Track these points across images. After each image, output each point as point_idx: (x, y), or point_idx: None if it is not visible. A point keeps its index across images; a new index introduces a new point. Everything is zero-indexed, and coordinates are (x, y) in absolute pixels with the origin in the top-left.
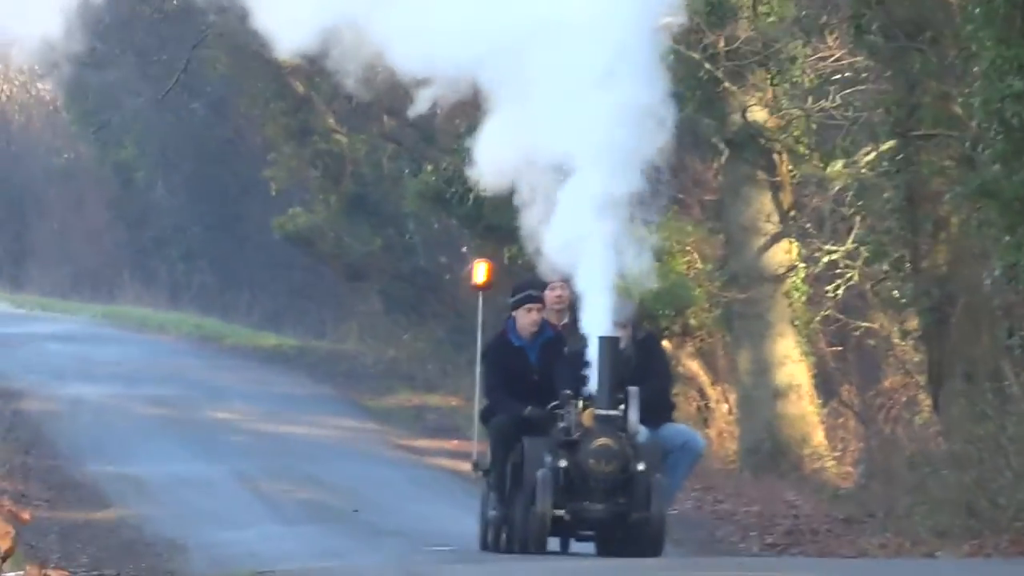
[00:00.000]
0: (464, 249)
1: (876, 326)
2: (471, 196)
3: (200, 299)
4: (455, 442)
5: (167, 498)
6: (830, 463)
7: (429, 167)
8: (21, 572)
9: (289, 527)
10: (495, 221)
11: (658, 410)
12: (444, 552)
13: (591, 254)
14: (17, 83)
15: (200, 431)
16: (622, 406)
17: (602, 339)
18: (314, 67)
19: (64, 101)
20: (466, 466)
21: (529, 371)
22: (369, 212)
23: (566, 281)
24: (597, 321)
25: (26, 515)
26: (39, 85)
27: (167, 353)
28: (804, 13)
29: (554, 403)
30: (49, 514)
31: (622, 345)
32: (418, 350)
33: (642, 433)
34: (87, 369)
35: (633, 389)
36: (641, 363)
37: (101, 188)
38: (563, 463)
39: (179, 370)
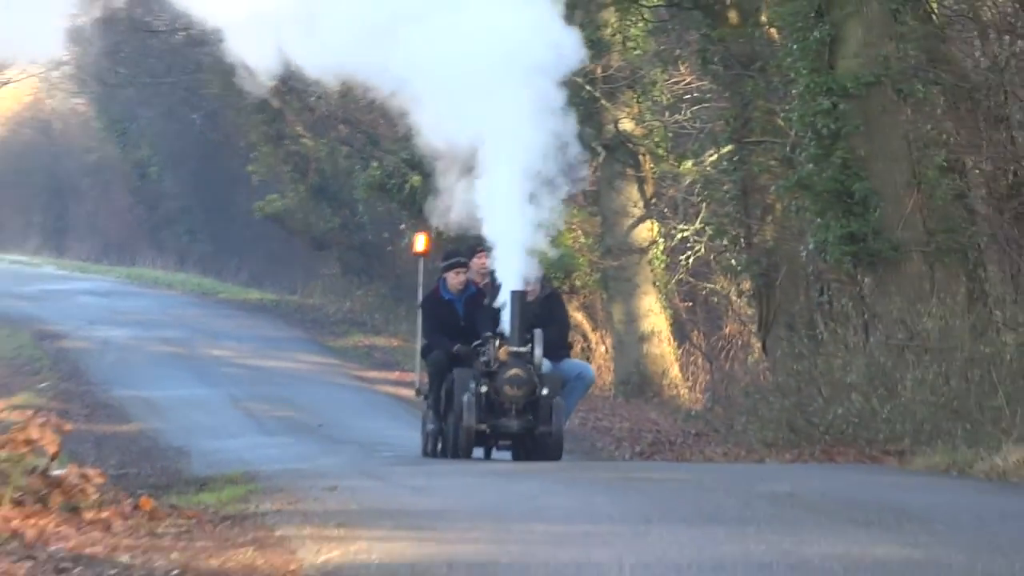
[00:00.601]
0: (402, 226)
1: (718, 287)
2: (407, 186)
3: (200, 264)
4: (396, 373)
5: (174, 415)
6: (684, 391)
7: (374, 164)
8: (64, 470)
9: (269, 437)
10: (426, 205)
11: (558, 348)
12: (389, 456)
13: (508, 229)
14: (58, 98)
15: (200, 364)
16: (530, 345)
17: (513, 292)
18: (285, 86)
19: (94, 112)
20: (405, 391)
21: (457, 319)
22: (329, 198)
23: (486, 250)
24: (510, 279)
25: (68, 427)
26: (75, 100)
27: (174, 305)
28: (662, 47)
29: (476, 342)
30: (86, 427)
31: (531, 299)
32: (367, 303)
33: (545, 365)
34: (113, 317)
35: (538, 331)
36: (546, 312)
37: (123, 179)
38: (484, 388)
39: (183, 318)
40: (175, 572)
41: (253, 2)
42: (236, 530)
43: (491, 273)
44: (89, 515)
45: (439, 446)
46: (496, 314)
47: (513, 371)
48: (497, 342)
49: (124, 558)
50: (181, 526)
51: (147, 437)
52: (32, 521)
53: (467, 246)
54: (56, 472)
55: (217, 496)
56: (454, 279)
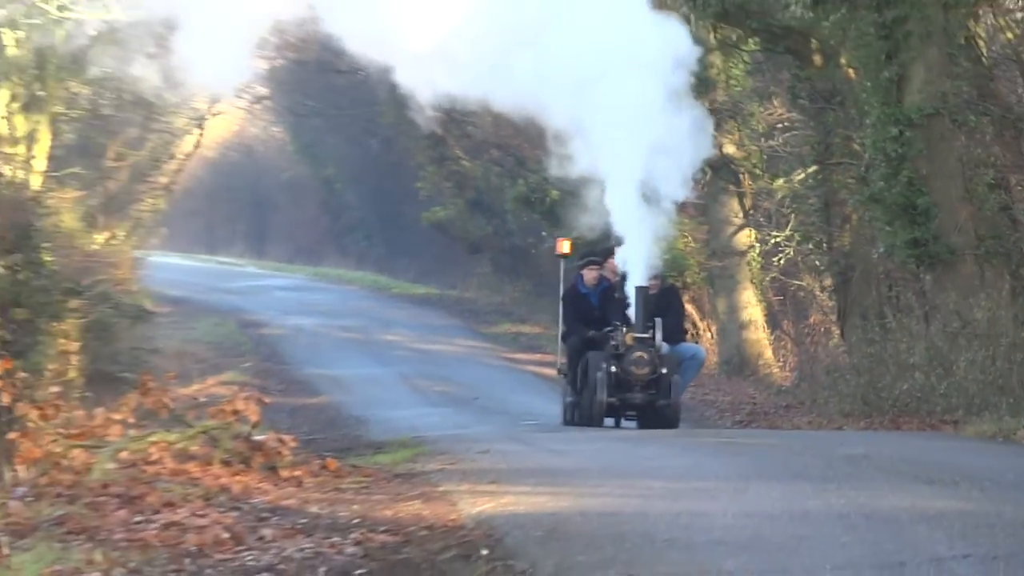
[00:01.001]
0: (543, 233)
1: (804, 284)
2: (548, 199)
3: (375, 264)
4: (538, 355)
5: (355, 390)
6: (776, 370)
7: (521, 181)
8: (264, 436)
9: (433, 408)
10: (564, 214)
11: (675, 334)
12: (533, 424)
13: (636, 235)
14: (259, 127)
15: (375, 347)
16: (651, 331)
17: (637, 288)
18: (447, 117)
19: (289, 138)
20: (546, 370)
21: (591, 309)
22: (483, 209)
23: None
24: (637, 276)
25: (267, 400)
26: (273, 128)
27: (354, 298)
28: (759, 84)
29: (608, 329)
30: (281, 400)
31: (653, 292)
32: (514, 297)
33: (664, 348)
34: (303, 308)
35: (658, 320)
36: (664, 304)
37: (312, 194)
38: (614, 368)
39: (361, 309)
40: (355, 521)
41: (412, 44)
42: (406, 486)
43: (622, 274)
44: (284, 473)
45: (576, 415)
46: (624, 306)
47: (638, 353)
48: (624, 329)
49: (313, 509)
50: (360, 483)
51: (332, 408)
52: (238, 478)
53: (601, 248)
54: (257, 437)
55: (390, 457)
56: (589, 276)
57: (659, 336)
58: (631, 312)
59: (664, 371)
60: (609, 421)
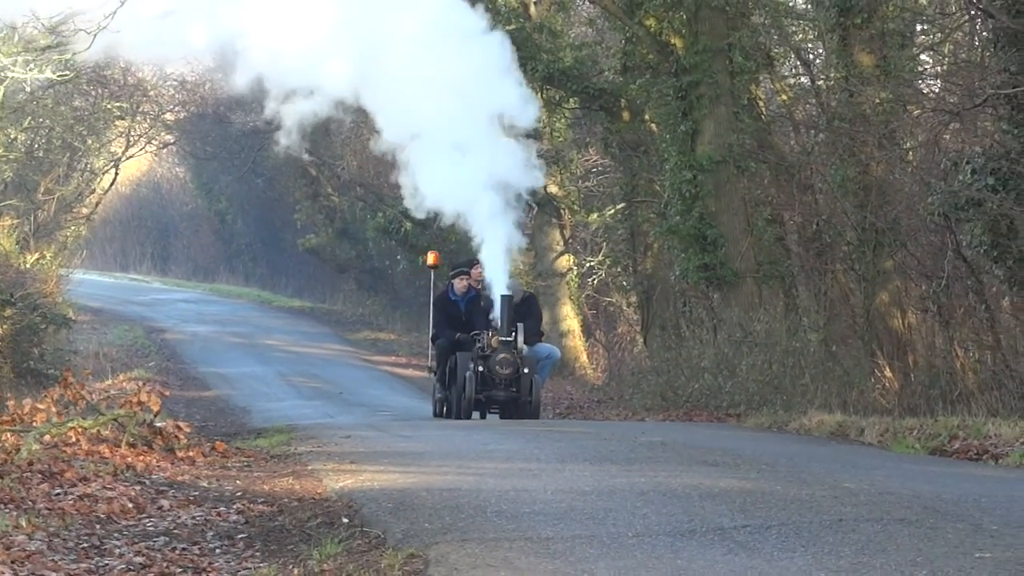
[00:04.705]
0: (399, 257)
1: (614, 300)
2: (403, 230)
3: (260, 281)
4: (393, 357)
5: (240, 385)
6: (590, 371)
7: (380, 214)
8: (164, 423)
9: (305, 401)
10: (415, 241)
11: (533, 336)
12: (387, 415)
13: (495, 252)
14: (165, 167)
15: (259, 350)
16: (514, 334)
17: (503, 296)
18: (320, 159)
19: (190, 177)
20: (400, 370)
21: (459, 314)
22: (349, 237)
23: (480, 264)
24: (499, 286)
25: (167, 393)
26: (177, 168)
27: (242, 310)
28: (577, 135)
29: (474, 332)
30: (179, 393)
31: (516, 300)
32: (374, 309)
33: (525, 350)
34: (200, 317)
35: (520, 324)
36: (525, 310)
37: (208, 223)
38: (480, 367)
39: (248, 319)
40: (239, 494)
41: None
42: (281, 465)
43: (485, 281)
44: (180, 454)
45: (444, 410)
46: (487, 311)
47: (503, 355)
48: (490, 333)
49: (204, 483)
50: (243, 462)
51: (221, 400)
52: (141, 458)
53: (466, 260)
54: (158, 424)
55: (268, 441)
56: (460, 284)
57: (520, 339)
58: (494, 316)
59: (526, 371)
60: (475, 415)
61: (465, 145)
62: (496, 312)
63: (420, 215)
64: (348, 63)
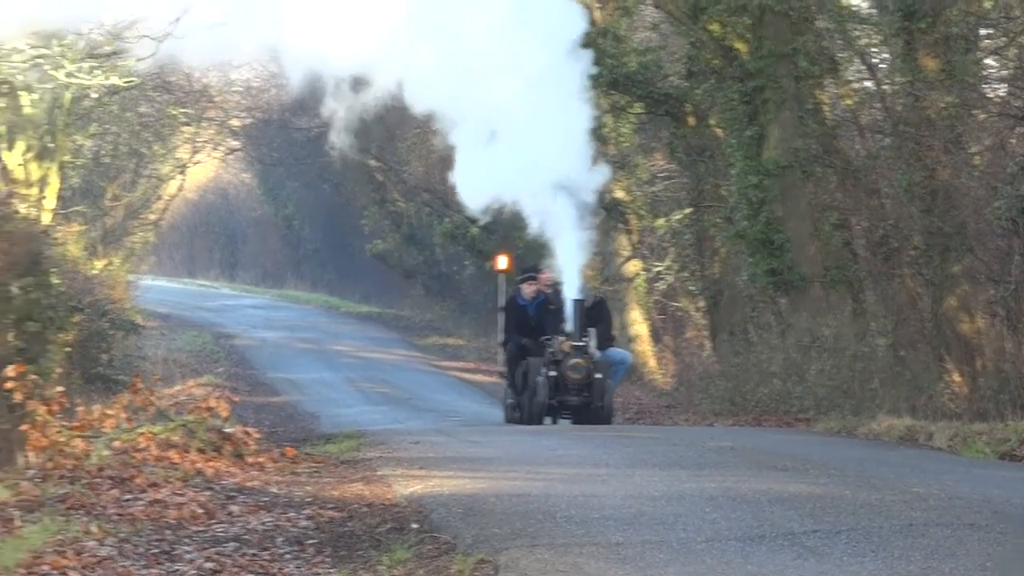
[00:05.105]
0: (466, 263)
1: (682, 305)
2: (469, 235)
3: (327, 287)
4: (461, 363)
5: (309, 391)
6: (658, 376)
7: (447, 219)
8: (233, 428)
9: (374, 407)
10: (482, 246)
11: (605, 341)
12: (456, 420)
13: (565, 256)
14: (232, 173)
15: (327, 356)
16: (586, 339)
17: (575, 301)
18: (386, 165)
19: (257, 183)
20: (468, 376)
21: (528, 319)
22: (416, 242)
23: (548, 268)
24: (572, 291)
25: (236, 398)
26: (243, 175)
27: (310, 316)
28: (643, 140)
29: (544, 338)
30: (248, 398)
31: (587, 304)
32: (441, 315)
33: (597, 355)
34: (268, 323)
35: (592, 329)
36: (596, 315)
37: (275, 228)
38: (553, 373)
39: (316, 324)
40: (308, 499)
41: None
42: (350, 470)
43: (554, 284)
44: (250, 460)
45: (516, 415)
46: (558, 316)
47: (575, 360)
48: (561, 338)
49: (273, 489)
50: (313, 468)
51: (290, 406)
52: (211, 463)
53: (532, 265)
54: (227, 430)
55: (338, 447)
56: (528, 289)
57: (593, 343)
58: (568, 322)
59: (598, 376)
60: (547, 420)
61: (530, 143)
62: (567, 317)
63: (480, 217)
64: (408, 53)
